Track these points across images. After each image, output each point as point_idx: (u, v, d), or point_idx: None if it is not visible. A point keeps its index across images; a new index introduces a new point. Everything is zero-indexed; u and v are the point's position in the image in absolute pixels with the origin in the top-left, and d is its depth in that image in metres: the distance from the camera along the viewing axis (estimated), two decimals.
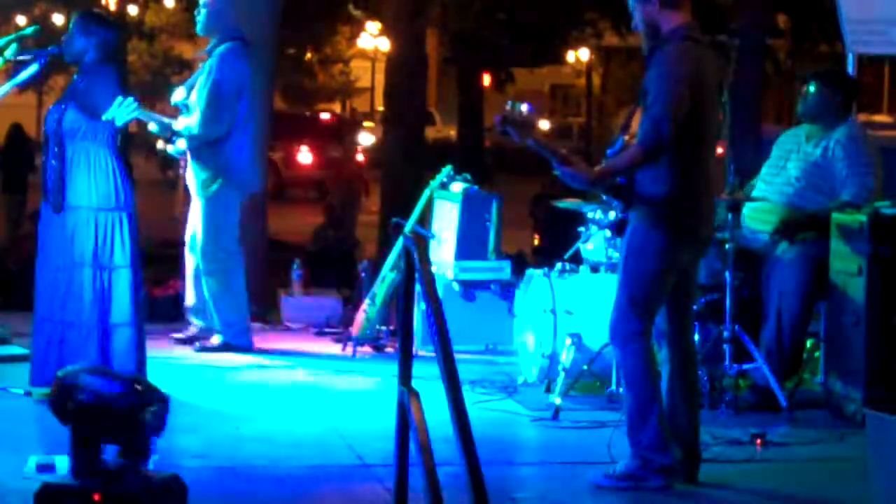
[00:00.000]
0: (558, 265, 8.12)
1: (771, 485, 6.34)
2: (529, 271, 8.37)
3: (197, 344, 8.99)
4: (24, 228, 16.54)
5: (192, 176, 8.91)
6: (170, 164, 8.74)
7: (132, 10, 31.99)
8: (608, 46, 37.93)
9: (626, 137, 6.23)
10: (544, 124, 37.65)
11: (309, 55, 37.17)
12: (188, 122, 8.77)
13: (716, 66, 6.28)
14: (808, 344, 8.03)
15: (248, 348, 8.98)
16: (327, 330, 9.96)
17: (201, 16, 8.99)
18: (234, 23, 9.06)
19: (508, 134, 5.98)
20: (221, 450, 6.65)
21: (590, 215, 8.00)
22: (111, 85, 7.38)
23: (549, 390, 7.79)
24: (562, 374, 7.63)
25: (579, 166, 6.07)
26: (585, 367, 7.75)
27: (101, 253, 7.32)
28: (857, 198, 7.74)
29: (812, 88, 8.00)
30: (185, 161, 9.06)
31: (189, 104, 8.84)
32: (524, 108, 5.91)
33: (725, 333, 7.54)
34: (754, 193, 7.98)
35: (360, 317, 9.25)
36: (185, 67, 35.45)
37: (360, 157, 28.97)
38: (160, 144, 8.54)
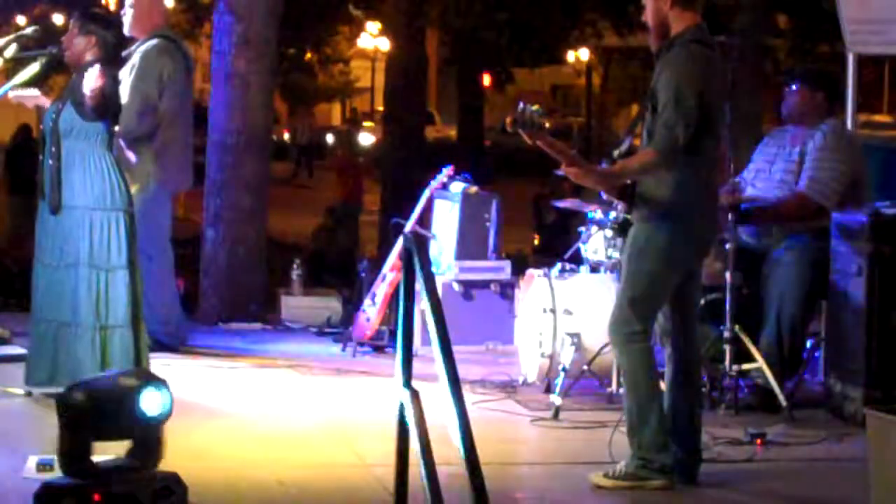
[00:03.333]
0: (558, 265, 8.13)
1: (771, 485, 6.34)
2: (529, 271, 8.37)
3: None
4: (24, 228, 16.53)
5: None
6: None
7: None
8: (608, 46, 37.86)
9: (631, 139, 6.25)
10: (541, 120, 37.44)
11: (309, 55, 37.11)
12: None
13: (723, 69, 6.28)
14: (808, 344, 8.03)
15: (176, 348, 8.91)
16: (327, 330, 9.96)
17: (128, 16, 8.94)
18: (161, 21, 9.05)
19: (519, 134, 5.98)
20: (221, 450, 6.65)
21: (590, 215, 8.00)
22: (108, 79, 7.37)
23: (549, 390, 7.79)
24: (562, 374, 7.63)
25: (587, 167, 6.07)
26: (585, 367, 7.75)
27: (97, 253, 7.31)
28: (810, 190, 7.76)
29: (793, 89, 8.01)
30: None
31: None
32: (535, 109, 5.92)
33: (725, 333, 7.54)
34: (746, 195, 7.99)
35: (361, 317, 9.25)
36: None
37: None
38: None
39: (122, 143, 8.61)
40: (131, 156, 8.69)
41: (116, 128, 8.53)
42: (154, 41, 8.83)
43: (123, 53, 8.91)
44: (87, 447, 5.13)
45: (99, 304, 7.30)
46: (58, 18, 26.56)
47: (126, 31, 8.98)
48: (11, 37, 8.07)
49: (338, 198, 20.47)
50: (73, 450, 5.12)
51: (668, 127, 5.99)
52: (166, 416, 5.28)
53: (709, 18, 6.25)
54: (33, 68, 7.78)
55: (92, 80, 7.26)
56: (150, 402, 5.22)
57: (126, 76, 8.66)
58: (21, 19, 26.70)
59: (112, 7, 26.23)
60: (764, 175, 8.05)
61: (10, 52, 7.90)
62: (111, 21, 7.85)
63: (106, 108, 7.37)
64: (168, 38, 9.00)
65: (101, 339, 7.27)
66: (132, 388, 5.20)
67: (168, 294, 8.97)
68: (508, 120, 5.94)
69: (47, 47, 7.93)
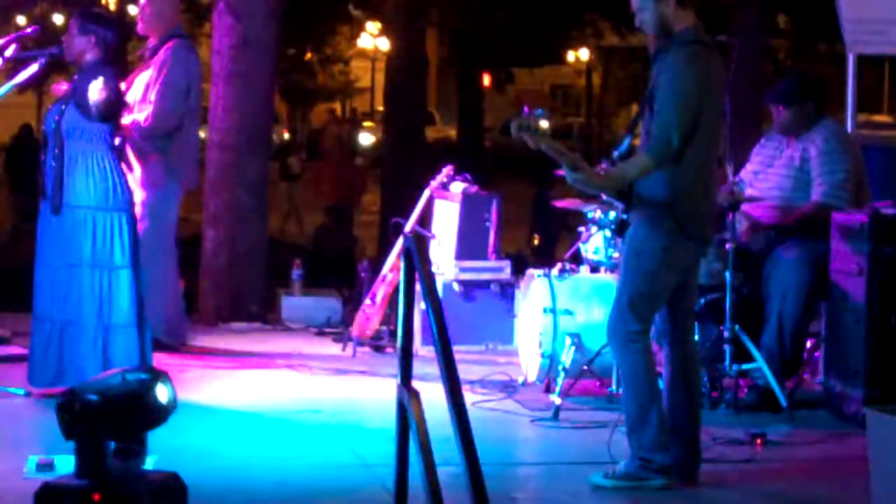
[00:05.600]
0: (558, 265, 8.12)
1: (771, 485, 6.34)
2: (529, 271, 8.37)
3: None
4: (24, 228, 16.54)
5: (135, 171, 8.75)
6: None
7: (132, 10, 32.00)
8: (608, 46, 37.94)
9: (631, 139, 6.25)
10: (544, 124, 37.58)
11: (309, 55, 37.15)
12: (136, 118, 8.68)
13: (722, 69, 6.28)
14: (808, 344, 8.03)
15: (179, 347, 8.93)
16: (327, 330, 9.96)
17: (144, 14, 8.95)
18: (176, 20, 9.08)
19: (522, 139, 5.97)
20: (221, 450, 6.65)
21: (590, 215, 8.00)
22: (111, 84, 7.37)
23: (549, 390, 7.80)
24: (562, 374, 7.63)
25: (588, 171, 6.08)
26: (585, 367, 7.75)
27: (100, 253, 7.32)
28: (827, 197, 7.76)
29: (780, 110, 7.99)
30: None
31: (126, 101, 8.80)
32: (540, 113, 5.92)
33: (725, 333, 7.55)
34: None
35: (360, 317, 9.26)
36: None
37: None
38: None
39: (138, 140, 8.63)
40: (150, 154, 8.69)
41: (144, 126, 8.56)
42: (180, 40, 8.86)
43: (140, 52, 8.92)
44: (103, 449, 5.09)
45: (102, 304, 7.31)
46: (58, 18, 26.59)
47: (141, 29, 9.00)
48: (11, 37, 8.07)
49: (336, 198, 20.48)
50: (90, 453, 5.08)
51: (662, 129, 6.00)
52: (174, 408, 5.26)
53: (709, 18, 6.25)
54: (33, 68, 7.78)
55: (97, 91, 7.26)
56: (161, 396, 5.20)
57: (153, 74, 8.67)
58: (21, 19, 26.72)
59: (112, 7, 26.29)
60: (762, 175, 8.06)
61: (10, 51, 7.89)
62: (111, 21, 7.85)
63: (112, 112, 7.38)
64: (187, 38, 9.06)
65: (105, 339, 7.28)
66: (143, 383, 5.18)
67: (171, 293, 8.98)
68: (513, 125, 5.94)
69: (47, 47, 7.93)
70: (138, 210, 8.60)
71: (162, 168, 8.73)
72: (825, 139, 7.85)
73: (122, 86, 8.53)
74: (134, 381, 5.20)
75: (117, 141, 7.91)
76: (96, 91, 7.25)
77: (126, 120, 8.59)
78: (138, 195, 8.71)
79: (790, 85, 8.33)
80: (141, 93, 8.70)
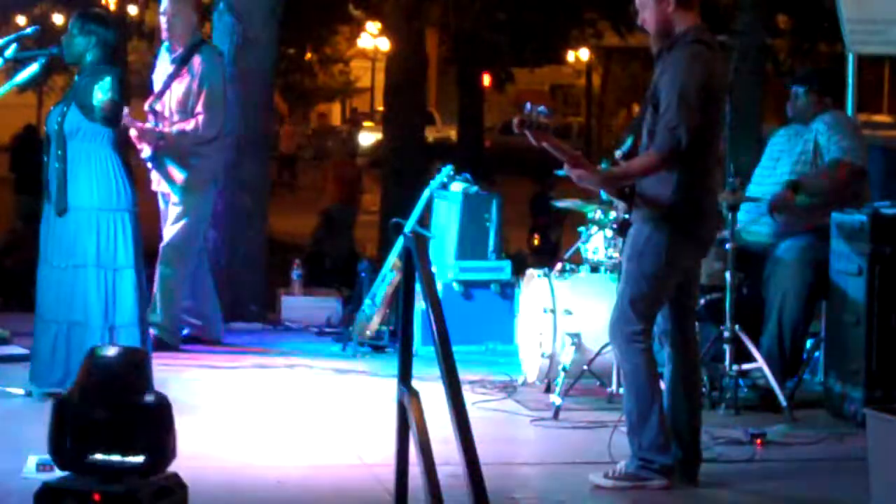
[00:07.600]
0: (558, 265, 8.13)
1: (771, 485, 6.34)
2: (529, 271, 8.37)
3: None
4: (26, 228, 16.52)
5: (174, 177, 8.86)
6: None
7: (132, 10, 32.00)
8: (608, 46, 37.93)
9: (632, 139, 6.25)
10: (546, 121, 37.57)
11: (309, 55, 37.16)
12: (182, 126, 8.79)
13: (724, 69, 6.28)
14: (808, 344, 8.03)
15: (177, 348, 8.96)
16: (327, 330, 9.96)
17: (171, 26, 9.04)
18: (196, 25, 9.25)
19: (525, 136, 5.97)
20: (221, 450, 6.65)
21: (590, 215, 8.00)
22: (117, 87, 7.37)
23: (549, 390, 7.80)
24: (562, 374, 7.63)
25: (591, 169, 6.08)
26: (585, 367, 7.75)
27: (104, 253, 7.32)
28: (844, 153, 7.75)
29: (800, 93, 8.01)
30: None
31: (156, 108, 8.88)
32: (542, 110, 5.92)
33: (725, 333, 7.55)
34: (747, 194, 7.97)
35: (361, 317, 9.25)
36: None
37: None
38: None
39: (187, 146, 8.73)
40: (197, 160, 8.84)
41: (196, 134, 8.67)
42: (207, 45, 9.12)
43: (173, 56, 9.00)
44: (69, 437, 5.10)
45: (108, 305, 7.32)
46: (58, 18, 26.60)
47: (169, 41, 9.06)
48: (11, 37, 8.07)
49: (333, 201, 20.43)
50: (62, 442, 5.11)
51: (669, 129, 5.99)
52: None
53: (709, 18, 6.25)
54: (33, 68, 7.78)
55: (105, 91, 7.25)
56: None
57: (191, 84, 8.83)
58: (21, 19, 26.72)
59: (112, 7, 26.29)
60: (767, 172, 8.06)
61: (10, 52, 7.90)
62: (111, 21, 7.85)
63: (117, 116, 7.39)
64: (209, 42, 9.19)
65: (110, 339, 7.27)
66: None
67: (206, 289, 9.19)
68: (515, 121, 5.93)
69: (47, 47, 7.93)
70: (179, 213, 8.70)
71: (207, 172, 8.94)
72: (827, 123, 7.88)
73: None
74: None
75: (149, 151, 7.97)
76: (105, 91, 7.24)
77: (169, 130, 8.70)
78: (175, 203, 8.81)
79: (817, 72, 8.53)
80: (177, 101, 8.85)
